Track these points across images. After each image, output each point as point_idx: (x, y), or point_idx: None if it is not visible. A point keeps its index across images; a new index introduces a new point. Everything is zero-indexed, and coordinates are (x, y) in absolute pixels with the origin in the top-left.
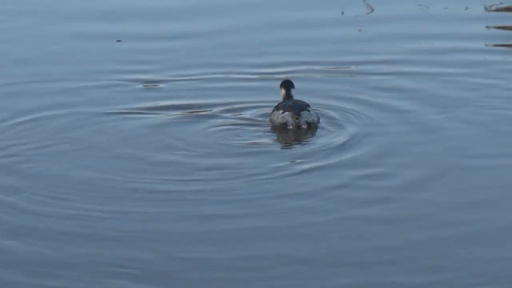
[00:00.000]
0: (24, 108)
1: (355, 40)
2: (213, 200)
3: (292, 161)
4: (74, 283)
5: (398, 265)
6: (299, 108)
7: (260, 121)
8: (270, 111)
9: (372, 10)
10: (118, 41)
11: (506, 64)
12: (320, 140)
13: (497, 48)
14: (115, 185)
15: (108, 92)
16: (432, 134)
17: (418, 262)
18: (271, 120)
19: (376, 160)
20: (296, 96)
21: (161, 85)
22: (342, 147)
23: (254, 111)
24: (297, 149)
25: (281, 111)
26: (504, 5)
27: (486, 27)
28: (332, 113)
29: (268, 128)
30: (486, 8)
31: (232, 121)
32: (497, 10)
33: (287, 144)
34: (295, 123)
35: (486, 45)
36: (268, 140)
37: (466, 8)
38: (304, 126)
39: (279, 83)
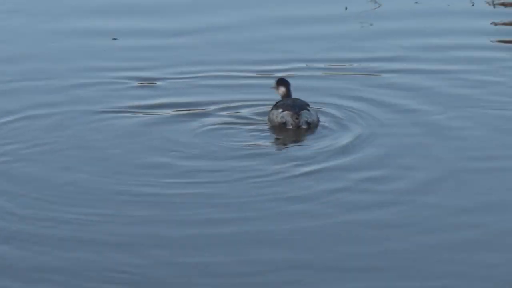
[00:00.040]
0: (13, 107)
1: (358, 37)
2: (208, 203)
3: (291, 163)
4: None
5: (401, 270)
6: (298, 107)
7: (258, 120)
8: (269, 110)
9: (379, 6)
10: (114, 39)
11: None
12: (321, 141)
13: (503, 45)
14: (106, 188)
15: (100, 90)
16: (438, 135)
17: (422, 267)
18: (269, 119)
19: (379, 162)
20: (297, 94)
21: (157, 83)
22: (343, 148)
23: (252, 110)
24: (297, 150)
25: (280, 110)
26: (510, 1)
27: (492, 23)
28: (334, 112)
29: (266, 128)
30: (490, 4)
31: (229, 119)
32: (503, 4)
33: (286, 145)
34: (294, 123)
35: (492, 41)
36: (266, 140)
37: (472, 4)
38: (304, 126)
39: (275, 80)
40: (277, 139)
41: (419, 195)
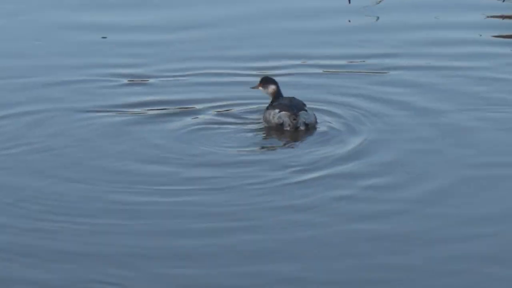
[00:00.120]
0: None
1: (361, 31)
2: (200, 213)
3: (289, 169)
4: None
5: (404, 285)
6: (296, 107)
7: (253, 119)
8: (264, 109)
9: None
10: (104, 37)
11: None
12: (322, 144)
13: (509, 40)
14: (87, 195)
15: (87, 88)
16: (449, 138)
17: (426, 281)
18: (265, 120)
19: (385, 168)
20: (295, 93)
21: (148, 80)
22: (346, 153)
23: (246, 108)
24: (295, 154)
25: (277, 110)
26: None
27: (501, 16)
28: (334, 112)
29: (262, 128)
30: None
31: (223, 119)
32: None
33: (284, 149)
34: (292, 124)
35: (498, 36)
36: (261, 143)
37: None
38: (302, 128)
39: (259, 79)
40: (274, 141)
41: (423, 205)
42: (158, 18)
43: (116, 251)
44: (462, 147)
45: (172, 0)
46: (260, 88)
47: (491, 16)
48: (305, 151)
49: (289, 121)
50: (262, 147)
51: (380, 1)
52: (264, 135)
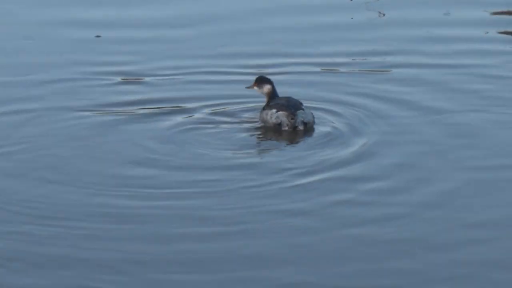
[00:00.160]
0: None
1: (362, 28)
2: (195, 217)
3: (288, 172)
4: None
5: None
6: (294, 107)
7: (248, 118)
8: (261, 109)
9: None
10: (97, 36)
11: None
12: (321, 146)
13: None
14: (76, 198)
15: (78, 86)
16: (454, 138)
17: (428, 286)
18: (262, 120)
19: (387, 171)
20: (294, 92)
21: (143, 78)
22: (346, 154)
23: (242, 107)
24: (294, 156)
25: (274, 110)
26: None
27: (507, 12)
28: (336, 111)
29: (259, 128)
30: None
31: (217, 118)
32: None
33: (282, 150)
34: (290, 123)
35: (503, 33)
36: (259, 144)
37: None
38: (300, 127)
39: (254, 78)
40: (272, 143)
41: (425, 209)
42: (151, 16)
43: (109, 256)
44: (466, 149)
45: None
46: (255, 88)
47: (497, 13)
48: (304, 153)
49: (287, 121)
50: (260, 149)
51: None
52: (262, 135)
